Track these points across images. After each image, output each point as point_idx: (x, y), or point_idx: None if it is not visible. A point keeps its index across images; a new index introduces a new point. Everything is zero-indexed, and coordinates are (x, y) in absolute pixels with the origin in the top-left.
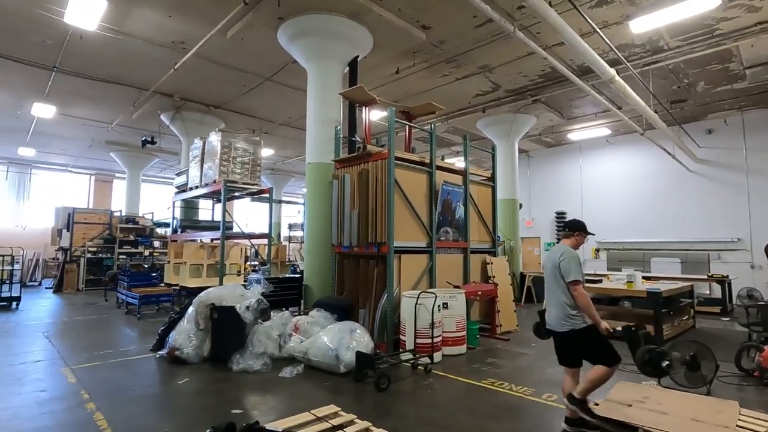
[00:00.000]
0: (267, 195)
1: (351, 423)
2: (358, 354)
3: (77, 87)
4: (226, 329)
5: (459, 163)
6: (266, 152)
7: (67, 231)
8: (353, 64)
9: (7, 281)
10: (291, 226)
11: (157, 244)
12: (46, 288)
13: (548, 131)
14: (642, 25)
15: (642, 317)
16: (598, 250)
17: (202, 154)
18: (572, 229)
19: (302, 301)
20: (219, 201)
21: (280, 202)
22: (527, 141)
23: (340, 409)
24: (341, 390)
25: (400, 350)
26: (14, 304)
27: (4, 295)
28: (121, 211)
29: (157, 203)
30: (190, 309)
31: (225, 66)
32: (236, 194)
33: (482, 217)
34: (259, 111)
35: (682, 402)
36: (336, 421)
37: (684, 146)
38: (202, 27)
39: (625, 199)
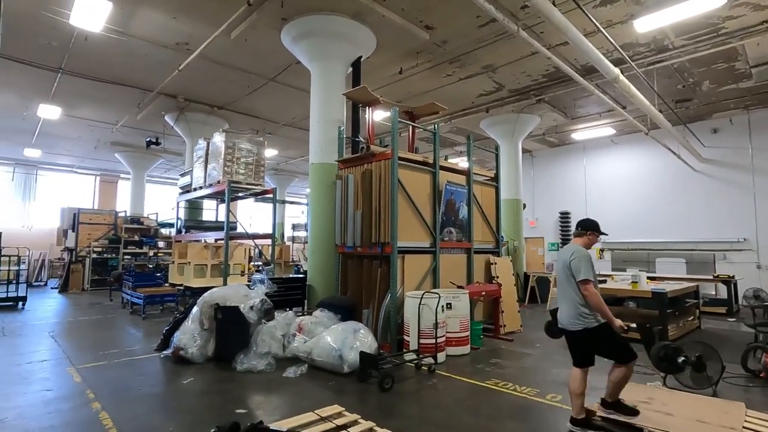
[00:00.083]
0: (271, 195)
1: (355, 423)
2: (362, 354)
3: (82, 88)
4: (230, 329)
5: (462, 163)
6: (270, 153)
7: (73, 231)
8: (356, 65)
9: (14, 281)
10: (294, 227)
11: (161, 244)
12: (52, 288)
13: (552, 131)
14: (646, 24)
15: (647, 318)
16: (602, 251)
17: (206, 154)
18: (584, 228)
19: (306, 302)
20: (223, 201)
21: (283, 202)
22: (531, 141)
23: (344, 409)
24: (345, 390)
25: (404, 350)
26: (20, 304)
27: (10, 295)
28: (125, 211)
29: (162, 204)
30: (195, 309)
31: (229, 67)
32: (240, 195)
33: (486, 218)
34: (263, 111)
35: (688, 403)
36: (340, 421)
37: (689, 146)
38: (206, 28)
39: (630, 198)
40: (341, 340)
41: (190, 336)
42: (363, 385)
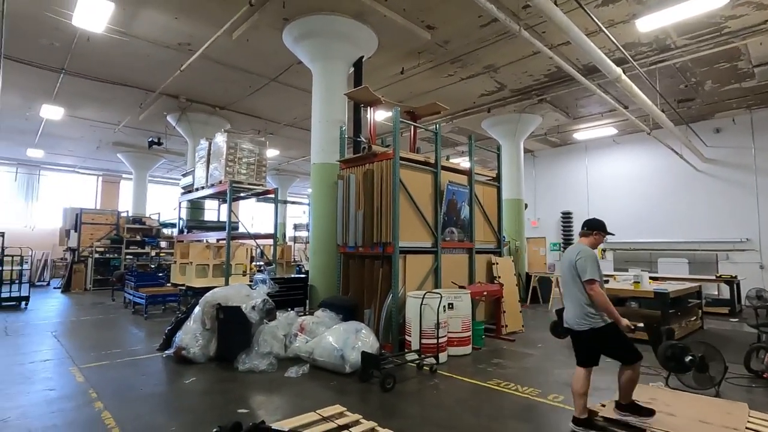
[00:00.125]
0: (272, 195)
1: (356, 423)
2: (364, 354)
3: (85, 89)
4: (232, 329)
5: (464, 163)
6: (271, 153)
7: (75, 231)
8: (358, 65)
9: (16, 281)
10: (296, 227)
11: (163, 244)
12: (55, 288)
13: (554, 131)
14: (648, 24)
15: (649, 318)
16: (604, 251)
17: (208, 154)
18: (590, 228)
19: (308, 301)
20: (225, 201)
21: (285, 202)
22: (532, 141)
23: (345, 409)
24: (347, 390)
25: (406, 350)
26: (23, 303)
27: (13, 294)
28: (128, 211)
29: (164, 204)
30: (197, 309)
31: (231, 67)
32: (242, 195)
33: (487, 218)
34: (265, 112)
35: (690, 403)
36: (341, 421)
37: (691, 145)
38: (208, 28)
39: (632, 198)
40: (343, 340)
41: (192, 336)
42: (365, 385)
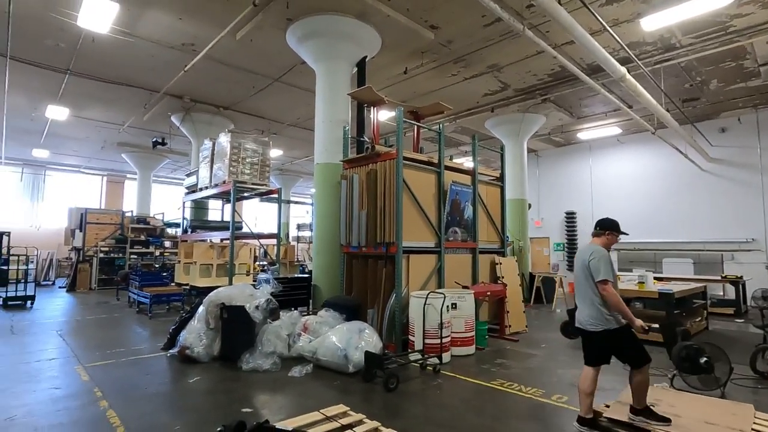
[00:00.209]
0: (276, 195)
1: (360, 423)
2: (367, 354)
3: (90, 89)
4: (236, 329)
5: (467, 163)
6: (275, 153)
7: (80, 231)
8: (361, 65)
9: (22, 280)
10: (299, 227)
11: (167, 244)
12: (60, 287)
13: (557, 130)
14: (653, 23)
15: (653, 318)
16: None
17: (212, 154)
18: (603, 228)
19: (311, 301)
20: (228, 201)
21: (288, 202)
22: (536, 140)
23: (349, 408)
24: (350, 390)
25: (409, 350)
26: (29, 302)
27: (19, 294)
28: (132, 211)
29: (168, 204)
30: (201, 308)
31: (234, 67)
32: (245, 195)
33: (491, 217)
34: (268, 112)
35: (695, 405)
36: (345, 421)
37: (696, 145)
38: (211, 29)
39: (637, 198)
40: (346, 339)
41: (196, 335)
42: (368, 385)
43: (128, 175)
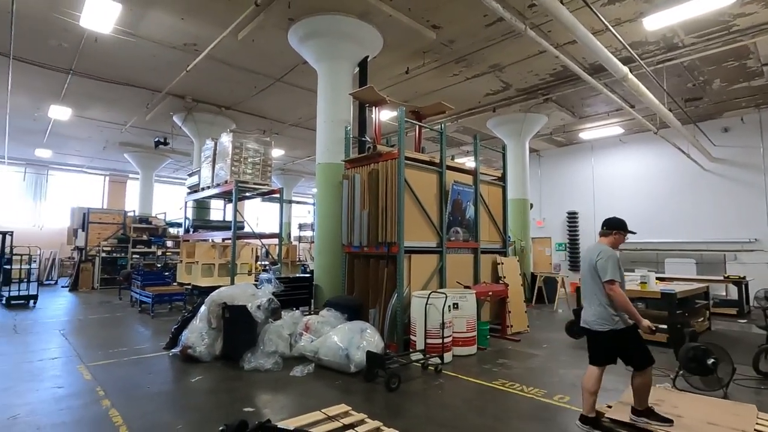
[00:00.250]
0: (277, 195)
1: (361, 422)
2: (369, 354)
3: (92, 89)
4: (238, 328)
5: (469, 162)
6: (277, 153)
7: (83, 231)
8: (363, 65)
9: (25, 280)
10: (301, 226)
11: (169, 243)
12: (62, 287)
13: (559, 130)
14: (656, 22)
15: (657, 319)
16: None
17: (214, 154)
18: (610, 228)
19: (313, 301)
20: (230, 201)
21: (290, 202)
22: (538, 140)
23: (350, 408)
24: (352, 389)
25: (411, 350)
26: (32, 302)
27: (21, 293)
28: (134, 211)
29: (170, 203)
30: (203, 308)
31: (236, 67)
32: (247, 194)
33: (493, 217)
34: (270, 112)
35: (698, 405)
36: (347, 421)
37: (699, 145)
38: (213, 29)
39: (639, 198)
40: (348, 339)
41: (198, 335)
42: (370, 385)
43: (130, 175)
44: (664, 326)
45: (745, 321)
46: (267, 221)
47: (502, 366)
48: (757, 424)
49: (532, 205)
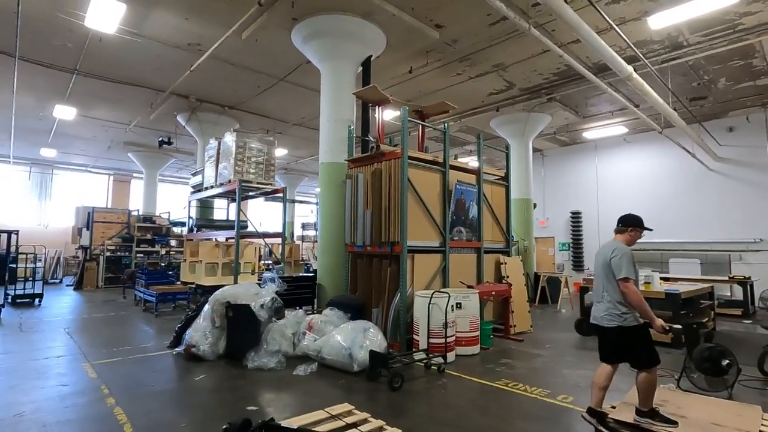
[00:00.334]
0: (281, 194)
1: (364, 421)
2: (372, 353)
3: (96, 89)
4: (241, 327)
5: (472, 162)
6: (280, 152)
7: (87, 230)
8: (366, 64)
9: (30, 278)
10: (304, 226)
11: (173, 242)
12: (67, 285)
13: (563, 130)
14: (661, 21)
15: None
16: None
17: (218, 154)
18: (626, 225)
19: (316, 300)
20: (234, 200)
21: (293, 201)
22: (542, 140)
23: (353, 407)
24: (355, 389)
25: (414, 350)
26: (37, 300)
27: (27, 292)
28: (138, 210)
29: (174, 203)
30: (206, 307)
31: (240, 67)
32: (251, 194)
33: (496, 217)
34: (273, 111)
35: (702, 406)
36: (350, 420)
37: (704, 144)
38: (217, 29)
39: (643, 198)
40: (351, 338)
41: (202, 333)
42: (372, 384)
43: (134, 175)
44: (679, 326)
45: (750, 322)
46: (270, 220)
47: (505, 366)
48: (762, 425)
49: (535, 205)
